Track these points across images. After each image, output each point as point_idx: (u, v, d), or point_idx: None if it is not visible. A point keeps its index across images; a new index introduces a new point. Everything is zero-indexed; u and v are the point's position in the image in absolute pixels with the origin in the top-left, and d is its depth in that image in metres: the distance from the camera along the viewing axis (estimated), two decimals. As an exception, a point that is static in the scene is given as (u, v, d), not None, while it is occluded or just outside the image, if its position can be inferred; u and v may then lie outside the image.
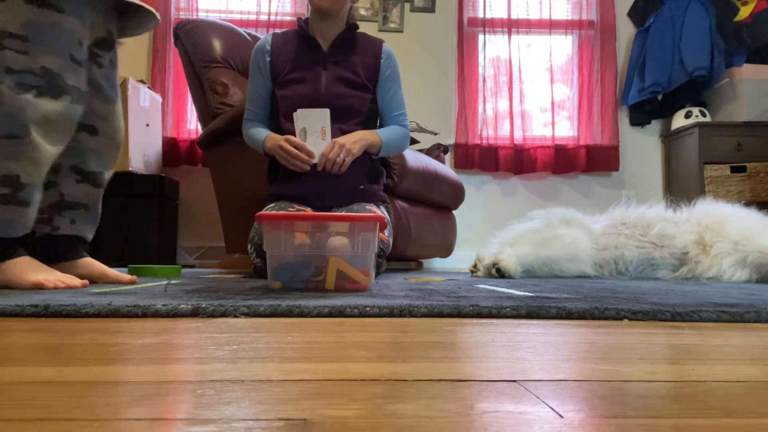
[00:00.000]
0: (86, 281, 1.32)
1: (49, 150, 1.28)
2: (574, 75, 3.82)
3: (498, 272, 1.90)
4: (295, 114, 1.67)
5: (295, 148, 1.65)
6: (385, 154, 1.85)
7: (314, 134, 1.66)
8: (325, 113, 1.66)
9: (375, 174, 1.87)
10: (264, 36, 1.90)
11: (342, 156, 1.65)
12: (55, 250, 1.42)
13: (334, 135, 1.69)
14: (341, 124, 1.74)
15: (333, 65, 1.79)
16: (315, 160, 1.67)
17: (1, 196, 1.23)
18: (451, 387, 0.44)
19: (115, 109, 1.49)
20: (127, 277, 1.43)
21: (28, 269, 1.26)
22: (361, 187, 1.79)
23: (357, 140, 1.70)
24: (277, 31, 1.93)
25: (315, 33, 1.82)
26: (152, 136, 3.22)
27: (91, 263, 1.47)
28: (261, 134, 1.79)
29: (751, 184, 3.30)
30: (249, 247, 1.70)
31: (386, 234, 1.72)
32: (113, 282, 1.41)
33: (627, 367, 0.52)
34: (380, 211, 1.78)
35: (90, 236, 1.51)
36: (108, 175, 1.51)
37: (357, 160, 1.76)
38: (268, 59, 1.82)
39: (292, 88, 1.77)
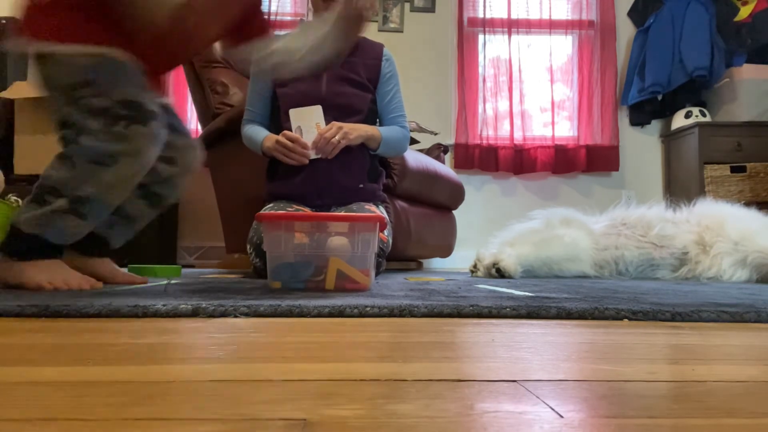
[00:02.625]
0: (99, 283, 1.31)
1: (133, 176, 1.28)
2: (574, 75, 3.81)
3: (498, 272, 1.90)
4: (290, 113, 1.68)
5: (291, 141, 1.66)
6: (384, 153, 1.85)
7: (310, 131, 1.66)
8: (317, 109, 1.66)
9: (374, 173, 1.86)
10: None
11: (338, 138, 1.65)
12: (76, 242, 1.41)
13: None
14: (341, 122, 1.74)
15: (333, 65, 1.79)
16: (312, 155, 1.67)
17: (65, 208, 1.23)
18: (451, 387, 0.44)
19: (191, 142, 1.48)
20: (139, 278, 1.43)
21: (40, 270, 1.26)
22: (361, 186, 1.79)
23: (357, 128, 1.71)
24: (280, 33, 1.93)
25: None
26: (152, 136, 3.21)
27: (103, 263, 1.47)
28: (260, 135, 1.79)
29: (751, 184, 3.30)
30: (248, 247, 1.69)
31: (386, 234, 1.72)
32: (124, 283, 1.41)
33: (627, 367, 0.52)
34: (379, 211, 1.78)
35: (116, 245, 1.49)
36: (171, 201, 1.51)
37: (356, 158, 1.76)
38: None
39: (293, 86, 1.77)
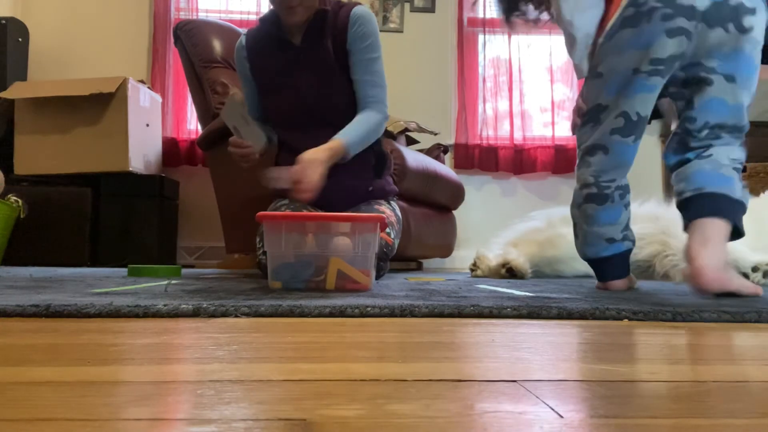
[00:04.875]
0: None
1: None
2: (574, 75, 3.81)
3: (509, 272, 1.89)
4: (221, 115, 1.67)
5: (236, 146, 1.61)
6: (357, 151, 1.65)
7: (243, 126, 1.61)
8: (230, 101, 1.60)
9: (381, 166, 1.77)
10: (241, 36, 1.81)
11: (304, 197, 1.47)
12: None
13: (322, 138, 1.58)
14: (332, 121, 1.64)
15: (308, 62, 1.69)
16: (258, 148, 1.64)
17: None
18: (451, 387, 0.44)
19: None
20: None
21: None
22: (370, 188, 1.72)
23: (314, 172, 1.46)
24: (251, 29, 1.81)
25: (287, 26, 1.68)
26: (152, 136, 3.22)
27: None
28: None
29: (750, 184, 3.29)
30: (257, 240, 1.65)
31: (391, 236, 1.65)
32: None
33: (627, 367, 0.52)
34: (390, 209, 1.71)
35: None
36: None
37: (360, 157, 1.65)
38: (247, 65, 1.76)
39: (275, 99, 1.72)
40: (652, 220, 2.05)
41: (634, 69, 1.30)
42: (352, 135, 1.60)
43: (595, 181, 1.41)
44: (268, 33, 1.74)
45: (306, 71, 1.69)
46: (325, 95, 1.68)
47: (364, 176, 1.72)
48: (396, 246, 1.72)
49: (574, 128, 1.48)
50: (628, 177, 1.53)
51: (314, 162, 1.49)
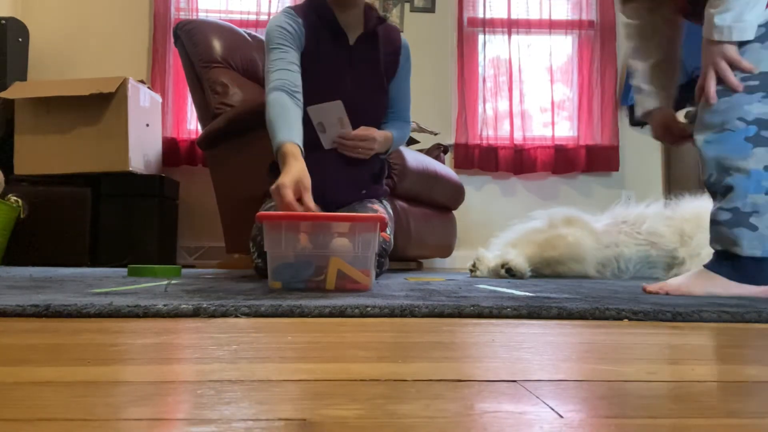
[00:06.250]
0: None
1: None
2: (574, 75, 3.81)
3: (508, 272, 1.90)
4: (308, 111, 1.62)
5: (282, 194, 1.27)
6: (386, 152, 1.83)
7: (333, 126, 1.66)
8: (338, 106, 1.63)
9: (380, 175, 1.84)
10: (282, 11, 1.69)
11: (362, 151, 1.68)
12: None
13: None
14: (360, 122, 1.69)
15: (359, 63, 1.71)
16: (328, 146, 1.69)
17: None
18: (451, 387, 0.44)
19: None
20: None
21: None
22: (364, 191, 1.77)
23: (376, 140, 1.69)
24: (291, 7, 1.72)
25: (339, 22, 1.68)
26: (152, 136, 3.22)
27: None
28: (281, 130, 1.42)
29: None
30: (251, 245, 1.68)
31: (387, 232, 1.69)
32: None
33: (627, 367, 0.52)
34: (382, 207, 1.76)
35: None
36: None
37: (365, 163, 1.73)
38: (303, 30, 1.64)
39: (316, 82, 1.64)
40: (664, 219, 2.08)
41: None
42: (397, 135, 1.81)
43: None
44: (325, 19, 1.67)
45: (354, 71, 1.72)
46: (364, 99, 1.72)
47: (362, 181, 1.77)
48: (392, 241, 1.78)
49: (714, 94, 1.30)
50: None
51: (374, 131, 1.71)
